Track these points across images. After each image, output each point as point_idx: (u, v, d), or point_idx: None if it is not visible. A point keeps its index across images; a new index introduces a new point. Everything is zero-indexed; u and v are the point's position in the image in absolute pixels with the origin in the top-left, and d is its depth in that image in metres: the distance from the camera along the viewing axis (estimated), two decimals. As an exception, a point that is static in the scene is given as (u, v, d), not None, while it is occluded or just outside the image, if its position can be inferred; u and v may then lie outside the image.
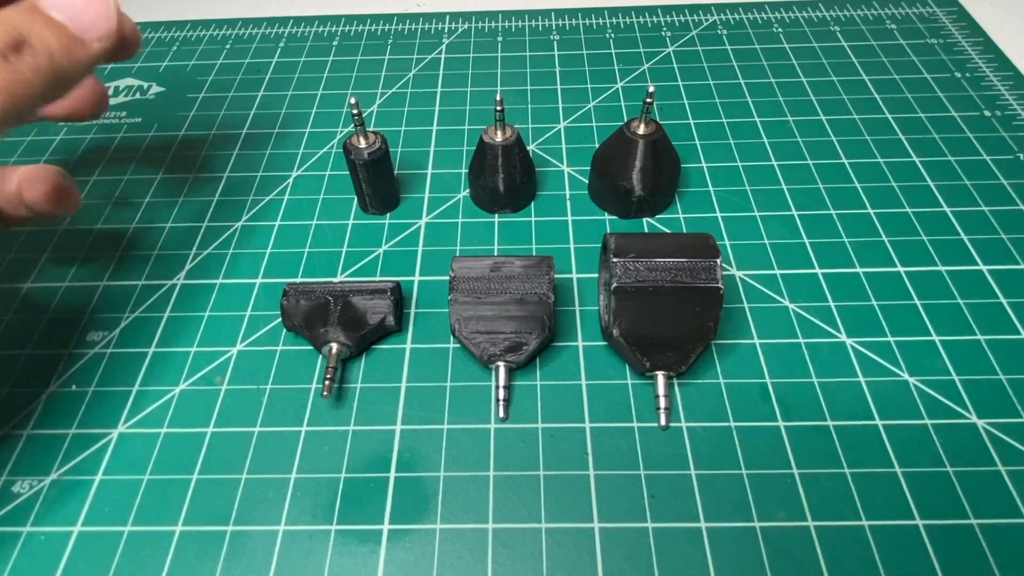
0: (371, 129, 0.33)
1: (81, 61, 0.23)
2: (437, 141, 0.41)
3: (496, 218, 0.36)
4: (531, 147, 0.40)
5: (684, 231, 0.35)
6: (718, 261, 0.27)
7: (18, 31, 0.20)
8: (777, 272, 0.33)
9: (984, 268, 0.32)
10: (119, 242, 0.36)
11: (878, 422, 0.27)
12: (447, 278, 0.31)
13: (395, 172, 0.37)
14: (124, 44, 0.25)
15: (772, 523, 0.24)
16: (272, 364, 0.30)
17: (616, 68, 0.46)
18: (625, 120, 0.34)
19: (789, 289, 0.32)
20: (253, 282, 0.33)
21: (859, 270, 0.32)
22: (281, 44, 0.50)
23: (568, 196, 0.37)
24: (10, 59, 0.20)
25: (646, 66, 0.46)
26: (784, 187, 0.37)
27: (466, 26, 0.50)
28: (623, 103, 0.43)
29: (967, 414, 0.27)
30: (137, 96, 0.46)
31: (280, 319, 0.31)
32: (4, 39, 0.20)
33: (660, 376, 0.27)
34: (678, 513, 0.25)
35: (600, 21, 0.50)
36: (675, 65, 0.46)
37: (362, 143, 0.33)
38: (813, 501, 0.25)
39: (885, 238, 0.34)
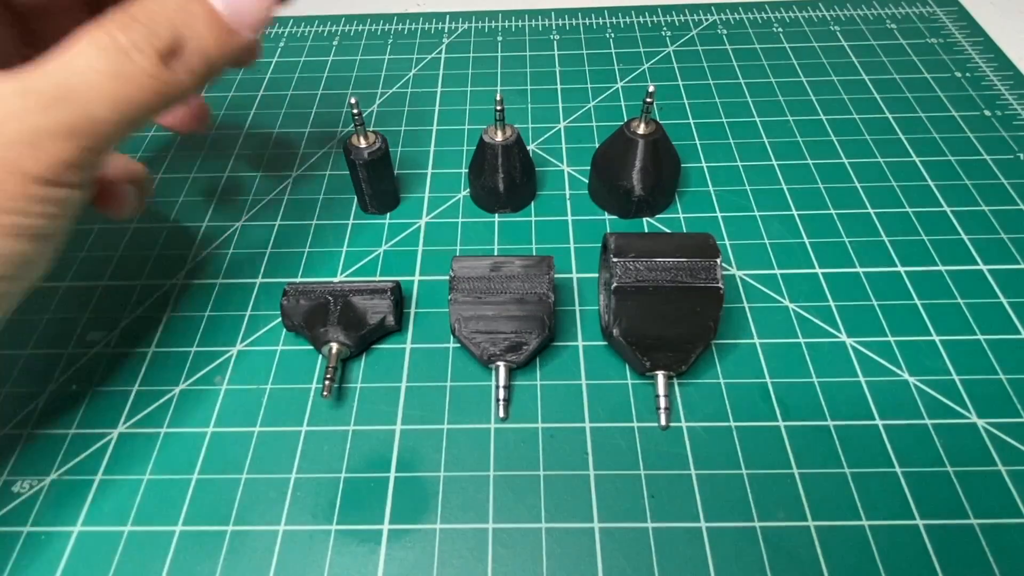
0: (371, 129, 0.33)
1: (229, 55, 0.22)
2: (437, 141, 0.41)
3: (496, 218, 0.36)
4: (531, 147, 0.40)
5: (684, 231, 0.35)
6: (718, 261, 0.27)
7: (178, 31, 0.20)
8: (777, 272, 0.33)
9: (984, 268, 0.32)
10: (119, 242, 0.36)
11: (878, 422, 0.27)
12: (447, 278, 0.31)
13: (395, 172, 0.37)
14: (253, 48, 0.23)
15: (772, 523, 0.24)
16: (272, 364, 0.30)
17: (616, 68, 0.46)
18: (625, 120, 0.34)
19: (789, 289, 0.32)
20: (253, 282, 0.33)
21: (859, 270, 0.32)
22: (281, 44, 0.50)
23: (568, 196, 0.37)
24: (168, 63, 0.20)
25: (646, 66, 0.46)
26: (784, 187, 0.37)
27: (466, 26, 0.50)
28: (623, 103, 0.43)
29: (967, 414, 0.27)
30: (137, 96, 0.46)
31: (280, 319, 0.31)
32: (165, 41, 0.20)
33: (660, 376, 0.27)
34: (678, 513, 0.25)
35: (600, 21, 0.50)
36: (675, 65, 0.46)
37: (362, 143, 0.33)
38: (813, 501, 0.25)
39: (885, 238, 0.34)
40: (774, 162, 0.38)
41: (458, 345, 0.30)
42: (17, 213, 0.19)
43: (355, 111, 0.31)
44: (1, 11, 0.22)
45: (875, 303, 0.31)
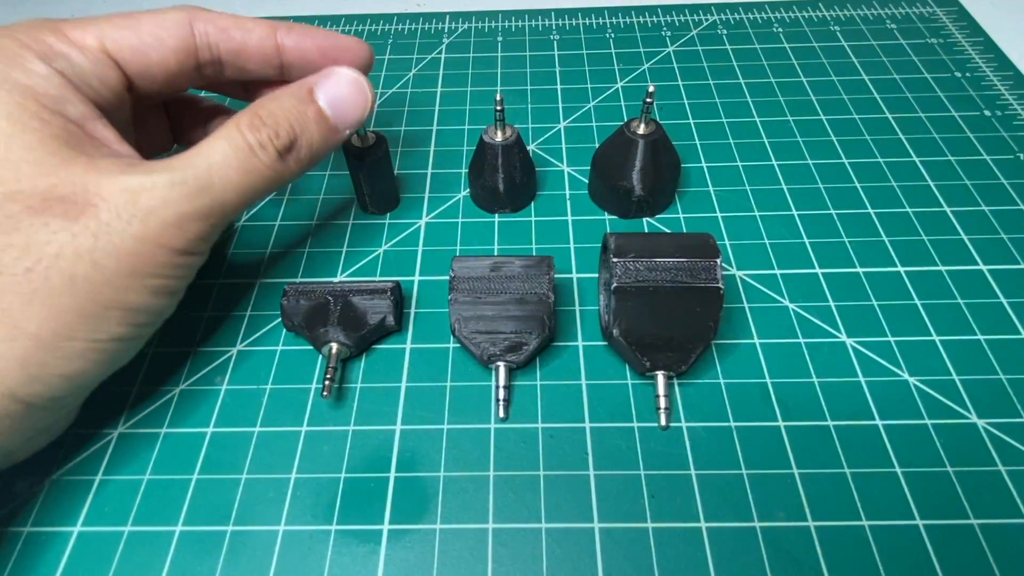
0: (371, 129, 0.33)
1: (329, 148, 0.27)
2: (437, 141, 0.41)
3: (496, 218, 0.36)
4: (531, 147, 0.40)
5: (684, 231, 0.35)
6: (718, 261, 0.27)
7: (295, 132, 0.25)
8: (777, 272, 0.33)
9: (984, 268, 0.32)
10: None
11: (878, 422, 0.27)
12: (447, 278, 0.31)
13: (395, 172, 0.37)
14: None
15: (772, 523, 0.24)
16: (272, 364, 0.30)
17: (616, 68, 0.46)
18: (625, 120, 0.34)
19: (789, 289, 0.32)
20: (253, 282, 0.33)
21: (859, 270, 0.32)
22: (281, 44, 0.49)
23: (568, 196, 0.37)
24: (284, 157, 0.25)
25: (646, 66, 0.46)
26: (784, 187, 0.37)
27: (466, 26, 0.50)
28: (623, 103, 0.43)
29: (967, 414, 0.27)
30: (137, 96, 0.46)
31: (280, 319, 0.31)
32: (284, 141, 0.25)
33: (660, 376, 0.27)
34: (678, 513, 0.25)
35: (600, 21, 0.50)
36: (675, 65, 0.46)
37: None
38: (813, 501, 0.25)
39: (885, 238, 0.34)
40: (774, 162, 0.38)
41: (458, 345, 0.30)
42: (163, 277, 0.23)
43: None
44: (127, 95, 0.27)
45: (875, 303, 0.31)
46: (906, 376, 0.28)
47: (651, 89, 0.31)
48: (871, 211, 0.35)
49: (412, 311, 0.32)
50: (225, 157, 0.23)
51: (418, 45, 0.49)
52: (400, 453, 0.27)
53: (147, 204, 0.22)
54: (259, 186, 0.25)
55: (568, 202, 0.37)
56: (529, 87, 0.44)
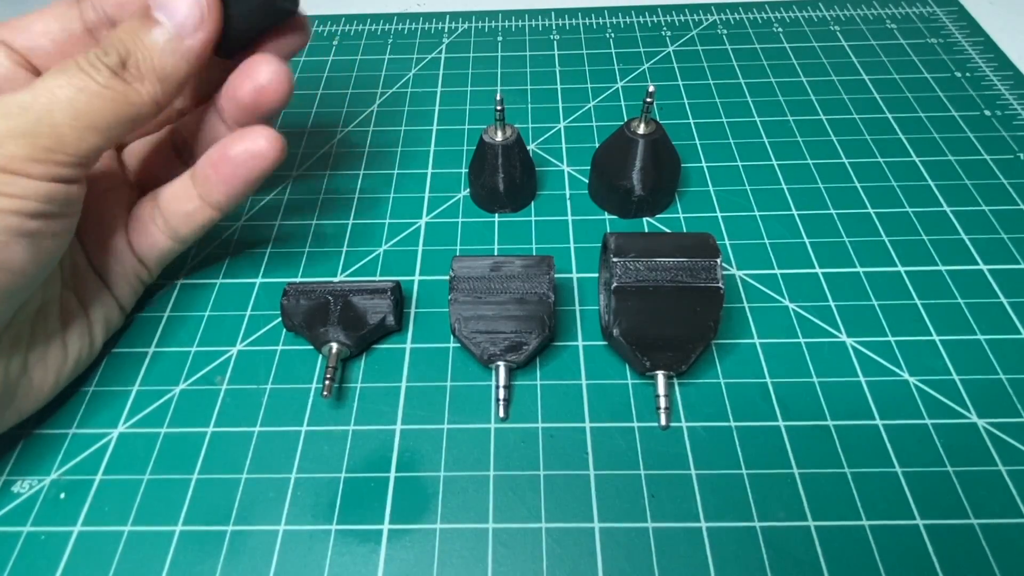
0: (378, 128, 0.33)
1: (180, 54, 0.25)
2: (437, 141, 0.41)
3: (496, 218, 0.36)
4: (531, 147, 0.40)
5: (684, 231, 0.35)
6: (718, 261, 0.27)
7: (125, 48, 0.24)
8: (777, 272, 0.33)
9: (984, 268, 0.32)
10: (119, 242, 0.35)
11: (878, 422, 0.27)
12: (447, 278, 0.31)
13: (393, 169, 0.37)
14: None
15: (772, 523, 0.24)
16: (272, 364, 0.30)
17: (616, 68, 0.46)
18: (625, 120, 0.34)
19: (789, 289, 0.32)
20: (253, 282, 0.33)
21: (859, 270, 0.32)
22: (281, 44, 0.49)
23: (568, 196, 0.37)
24: (119, 73, 0.24)
25: (646, 66, 0.46)
26: (784, 187, 0.37)
27: (466, 26, 0.50)
28: (623, 103, 0.43)
29: (967, 414, 0.27)
30: (137, 96, 0.46)
31: (280, 319, 0.31)
32: (114, 59, 0.24)
33: (660, 376, 0.27)
34: (678, 513, 0.25)
35: (600, 21, 0.50)
36: (675, 65, 0.46)
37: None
38: (813, 501, 0.25)
39: (885, 238, 0.34)
40: (774, 162, 0.38)
41: (458, 345, 0.30)
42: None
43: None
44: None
45: (875, 303, 0.31)
46: (906, 376, 0.28)
47: (651, 89, 0.31)
48: (871, 211, 0.35)
49: (412, 311, 0.32)
50: (54, 79, 0.23)
51: (418, 45, 0.49)
52: (400, 453, 0.27)
53: None
54: (98, 106, 0.23)
55: (568, 202, 0.37)
56: (529, 87, 0.44)
